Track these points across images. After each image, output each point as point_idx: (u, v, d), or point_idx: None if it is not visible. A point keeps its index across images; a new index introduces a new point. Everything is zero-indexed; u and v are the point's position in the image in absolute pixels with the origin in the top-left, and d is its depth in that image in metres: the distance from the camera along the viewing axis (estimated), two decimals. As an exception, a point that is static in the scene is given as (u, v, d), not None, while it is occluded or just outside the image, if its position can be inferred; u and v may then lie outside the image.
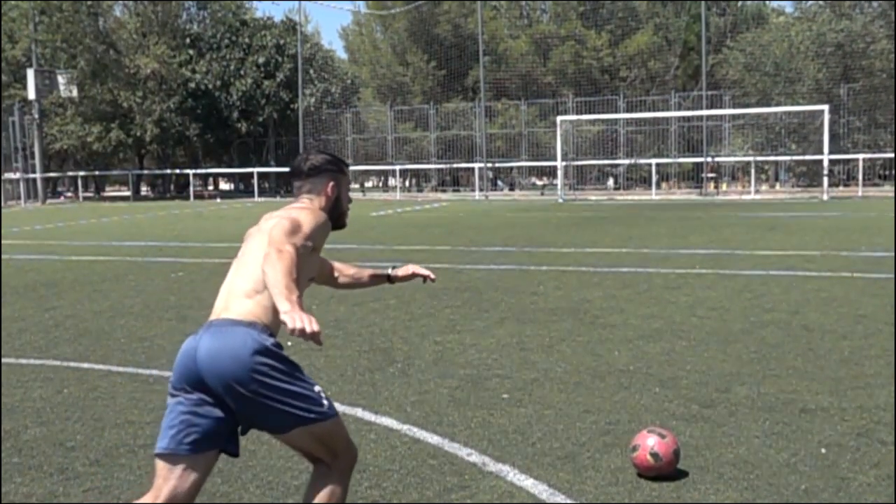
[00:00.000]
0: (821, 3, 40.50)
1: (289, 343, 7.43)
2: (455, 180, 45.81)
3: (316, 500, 3.11)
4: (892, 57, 36.28)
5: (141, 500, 3.20)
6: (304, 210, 3.19)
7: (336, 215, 3.36)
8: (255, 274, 3.03)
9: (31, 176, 43.62)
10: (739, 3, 47.40)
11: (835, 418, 5.04)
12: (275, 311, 2.89)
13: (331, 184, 3.34)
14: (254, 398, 2.98)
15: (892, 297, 8.93)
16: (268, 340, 3.01)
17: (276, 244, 2.89)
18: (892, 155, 35.63)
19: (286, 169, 45.34)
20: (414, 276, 3.90)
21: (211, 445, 3.15)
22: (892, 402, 5.30)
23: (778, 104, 36.94)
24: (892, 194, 31.80)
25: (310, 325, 2.67)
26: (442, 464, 4.47)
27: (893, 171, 38.29)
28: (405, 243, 14.08)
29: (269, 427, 3.12)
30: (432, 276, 3.89)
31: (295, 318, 2.67)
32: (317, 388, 3.10)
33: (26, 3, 42.45)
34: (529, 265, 12.46)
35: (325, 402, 3.10)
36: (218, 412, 3.08)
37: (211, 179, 59.68)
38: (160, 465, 3.19)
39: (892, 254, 12.63)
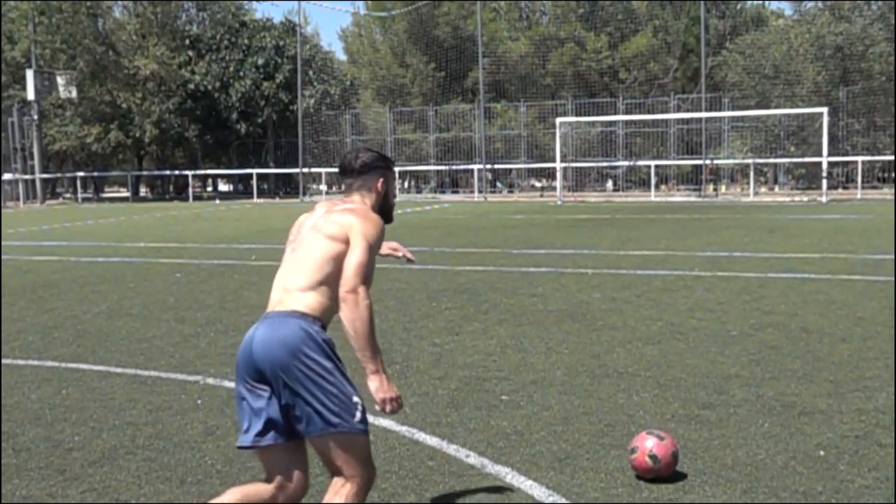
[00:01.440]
0: (820, 5, 40.53)
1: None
2: (454, 182, 45.80)
3: None
4: (892, 59, 36.30)
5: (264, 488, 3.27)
6: (366, 223, 3.28)
7: (386, 210, 3.50)
8: (311, 271, 3.20)
9: (30, 177, 43.61)
10: (738, 6, 47.45)
11: (833, 420, 5.04)
12: (329, 308, 3.17)
13: (381, 180, 3.48)
14: (294, 389, 3.09)
15: (891, 300, 8.93)
16: (320, 334, 3.15)
17: (353, 286, 3.12)
18: (891, 157, 35.65)
19: (285, 170, 45.62)
20: (392, 254, 3.97)
21: (278, 436, 3.22)
22: (891, 405, 5.31)
23: (777, 106, 36.95)
24: (891, 197, 31.82)
25: (393, 395, 3.20)
26: (441, 465, 4.47)
27: (893, 174, 38.32)
28: (404, 244, 14.05)
29: (301, 425, 3.16)
30: (410, 255, 3.97)
31: (384, 387, 3.19)
32: (355, 399, 3.17)
33: (26, 4, 42.45)
34: (528, 267, 12.46)
35: (357, 413, 3.16)
36: (275, 402, 3.19)
37: (210, 180, 59.66)
38: (260, 456, 3.31)
39: (891, 256, 12.63)
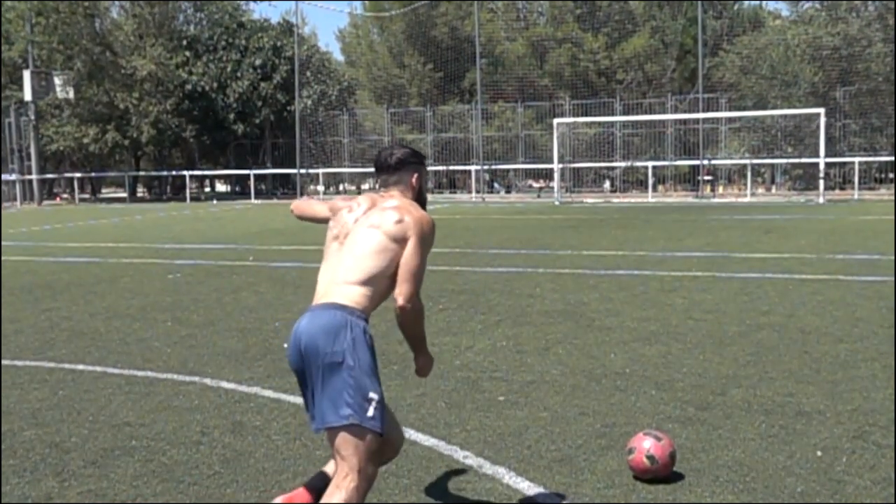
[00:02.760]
0: (817, 6, 40.56)
1: (285, 345, 7.44)
2: (451, 182, 45.80)
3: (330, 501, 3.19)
4: (889, 60, 36.34)
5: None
6: (421, 224, 3.42)
7: (420, 203, 3.63)
8: (362, 267, 3.33)
9: (28, 177, 43.56)
10: (736, 7, 47.47)
11: (831, 421, 5.04)
12: (374, 303, 3.35)
13: (415, 175, 3.63)
14: (321, 376, 3.21)
15: (888, 301, 8.94)
16: (361, 326, 3.27)
17: (410, 294, 3.36)
18: (888, 158, 35.69)
19: (283, 171, 45.59)
20: None
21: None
22: (888, 405, 5.31)
23: (774, 107, 36.98)
24: (888, 197, 31.86)
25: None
26: (438, 465, 4.47)
27: (893, 175, 38.35)
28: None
29: (315, 411, 3.29)
30: None
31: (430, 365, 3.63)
32: (371, 395, 3.24)
33: (23, 5, 42.39)
34: (526, 268, 12.46)
35: (371, 410, 3.22)
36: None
37: (207, 181, 59.62)
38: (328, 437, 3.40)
39: (888, 257, 12.65)
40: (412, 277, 3.35)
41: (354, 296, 3.30)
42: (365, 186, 54.02)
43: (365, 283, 3.32)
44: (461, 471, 4.40)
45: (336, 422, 3.21)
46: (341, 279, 3.34)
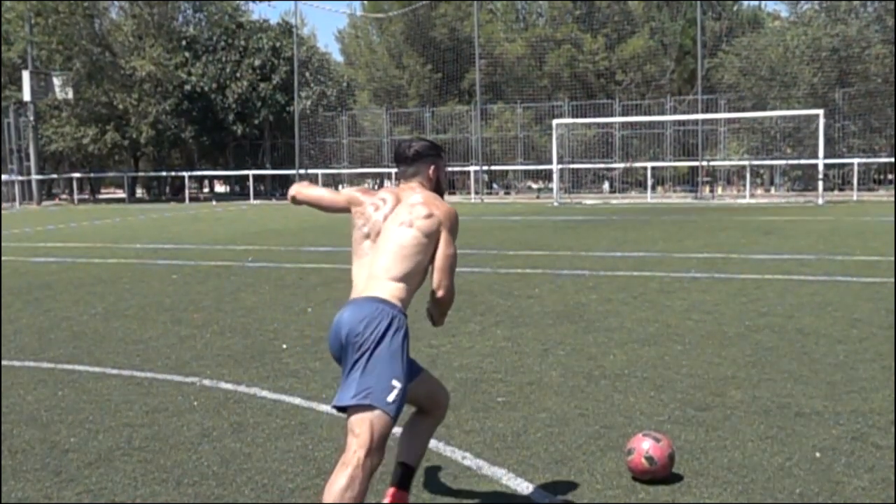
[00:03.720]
0: (816, 7, 40.58)
1: (284, 346, 7.43)
2: (450, 183, 45.80)
3: (334, 481, 3.27)
4: (888, 62, 36.36)
5: None
6: (449, 217, 3.61)
7: (439, 194, 3.79)
8: (399, 263, 3.49)
9: (27, 178, 43.55)
10: (735, 8, 47.50)
11: (829, 422, 5.04)
12: (411, 295, 3.52)
13: (432, 167, 3.79)
14: (355, 356, 3.35)
15: (887, 302, 8.94)
16: (399, 319, 3.42)
17: (448, 285, 3.60)
18: (887, 159, 35.72)
19: (282, 171, 45.58)
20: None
21: None
22: (887, 406, 5.31)
23: (773, 108, 37.00)
24: (887, 198, 31.87)
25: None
26: (436, 467, 4.47)
27: (892, 176, 38.38)
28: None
29: (342, 390, 3.39)
30: None
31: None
32: (394, 382, 3.35)
33: (22, 5, 42.37)
34: (525, 268, 12.46)
35: (392, 397, 3.33)
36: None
37: (206, 182, 59.61)
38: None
39: (887, 258, 12.66)
40: (450, 269, 3.58)
41: (394, 290, 3.46)
42: (363, 187, 54.00)
43: (402, 279, 3.49)
44: (460, 472, 4.40)
45: (356, 400, 3.32)
46: (380, 275, 3.48)
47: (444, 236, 3.57)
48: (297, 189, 4.07)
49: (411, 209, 3.58)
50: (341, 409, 3.40)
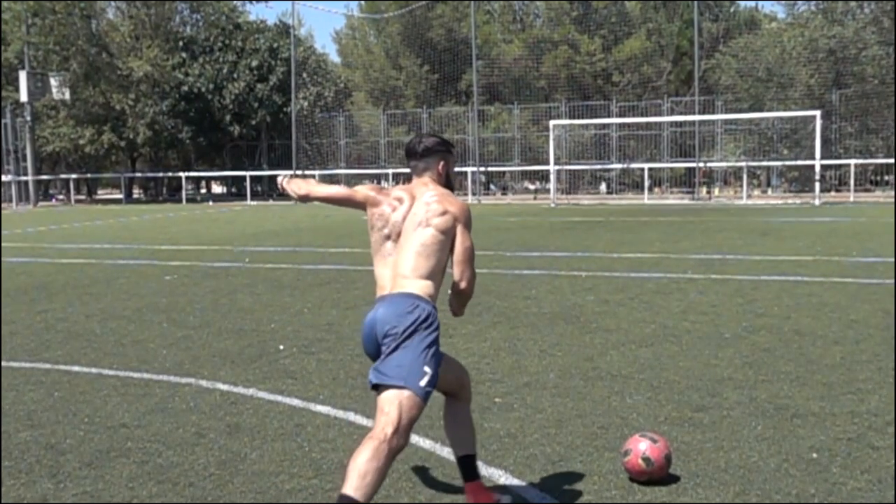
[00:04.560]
0: (813, 8, 40.62)
1: (280, 347, 7.43)
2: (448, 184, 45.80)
3: (359, 451, 3.40)
4: (884, 63, 36.41)
5: None
6: (464, 212, 3.76)
7: (448, 188, 3.92)
8: (423, 261, 3.67)
9: (23, 178, 43.51)
10: (732, 9, 47.57)
11: (826, 423, 5.05)
12: (438, 289, 3.71)
13: (441, 163, 3.92)
14: (393, 344, 3.54)
15: (884, 303, 8.95)
16: (430, 311, 3.62)
17: (471, 276, 3.76)
18: (883, 160, 35.76)
19: (279, 172, 45.53)
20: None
21: None
22: (883, 408, 5.32)
23: (770, 109, 37.04)
24: (884, 199, 31.91)
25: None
26: (434, 468, 4.47)
27: (889, 177, 38.42)
28: (398, 247, 14.07)
29: (376, 373, 3.58)
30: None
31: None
32: (426, 369, 3.54)
33: (19, 6, 42.32)
34: (522, 269, 12.47)
35: (424, 382, 3.52)
36: None
37: (203, 182, 59.57)
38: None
39: (884, 259, 12.67)
40: (470, 261, 3.74)
41: (423, 287, 3.65)
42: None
43: (428, 276, 3.67)
44: (457, 473, 4.40)
45: (391, 381, 3.49)
46: (407, 274, 3.66)
47: (460, 230, 3.72)
48: (307, 189, 4.12)
49: (427, 207, 3.72)
50: (375, 386, 3.57)
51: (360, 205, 3.99)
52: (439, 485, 4.26)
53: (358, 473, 3.32)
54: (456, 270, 3.75)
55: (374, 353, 3.67)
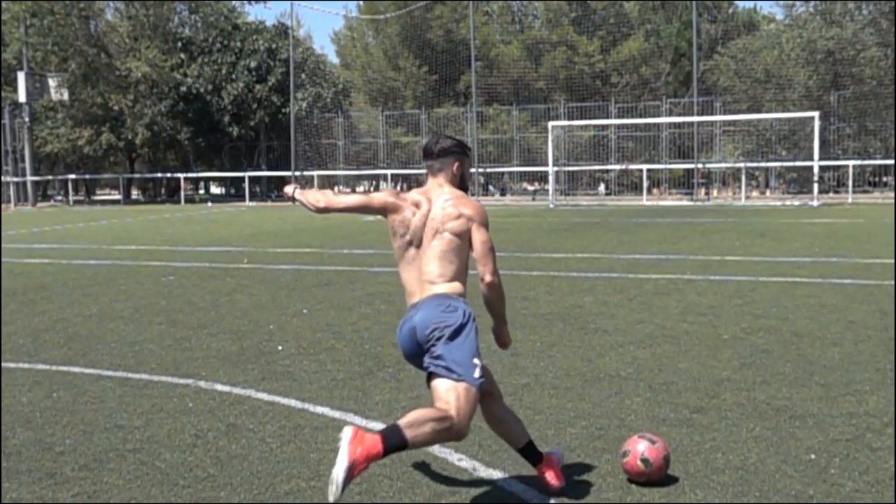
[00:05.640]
0: (811, 9, 40.66)
1: (279, 348, 7.42)
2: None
3: (428, 412, 3.66)
4: (882, 64, 36.44)
5: None
6: (479, 212, 3.96)
7: (462, 189, 4.09)
8: (446, 266, 3.90)
9: (22, 179, 43.50)
10: (730, 10, 47.59)
11: (824, 424, 5.05)
12: (464, 288, 3.97)
13: (456, 164, 4.07)
14: (440, 344, 3.77)
15: (882, 304, 8.96)
16: (464, 307, 3.88)
17: (494, 269, 3.94)
18: (882, 162, 35.78)
19: (277, 173, 45.56)
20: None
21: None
22: (881, 409, 5.32)
23: (768, 111, 37.08)
24: (882, 200, 31.92)
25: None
26: (432, 469, 4.47)
27: (888, 178, 38.45)
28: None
29: (430, 369, 3.82)
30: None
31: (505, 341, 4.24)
32: (475, 360, 3.83)
33: (17, 6, 42.31)
34: (520, 270, 12.46)
35: (478, 372, 3.80)
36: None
37: (202, 183, 59.58)
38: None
39: (882, 260, 12.68)
40: (490, 253, 3.90)
41: (453, 288, 3.90)
42: (359, 189, 54.05)
43: (454, 278, 3.91)
44: (455, 473, 4.40)
45: (451, 375, 3.73)
46: (436, 280, 3.90)
47: (477, 229, 3.91)
48: (326, 202, 4.11)
49: (443, 212, 3.92)
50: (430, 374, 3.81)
51: (379, 211, 4.06)
52: (438, 485, 4.25)
53: (418, 421, 3.58)
54: (479, 267, 3.90)
55: (413, 350, 3.89)
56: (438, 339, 3.76)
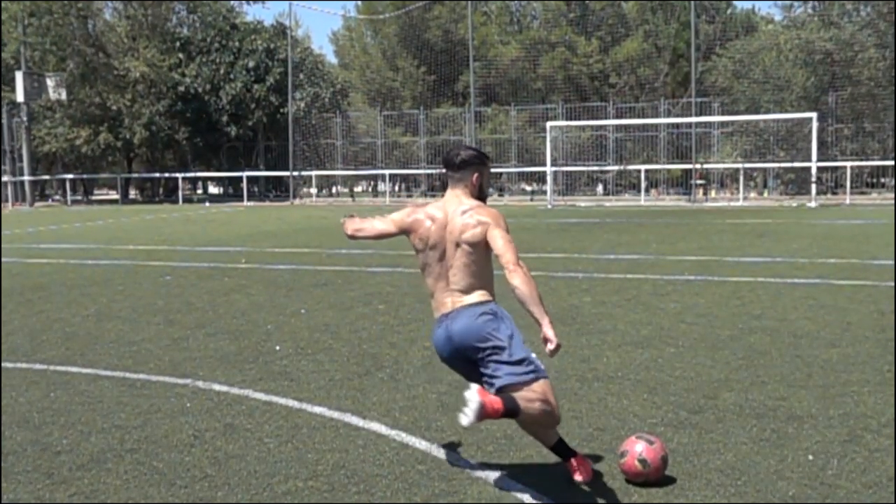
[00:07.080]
0: (809, 11, 40.69)
1: (277, 348, 7.41)
2: (444, 185, 45.72)
3: (539, 397, 3.90)
4: (880, 65, 36.47)
5: None
6: (495, 216, 4.11)
7: (481, 199, 4.25)
8: (470, 274, 4.09)
9: (19, 179, 43.46)
10: (729, 11, 47.61)
11: (822, 425, 5.05)
12: (491, 292, 4.16)
13: (475, 175, 4.23)
14: (491, 351, 3.96)
15: (879, 305, 8.96)
16: (497, 308, 4.09)
17: (516, 259, 3.99)
18: (880, 163, 35.81)
19: (275, 173, 45.56)
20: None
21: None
22: (879, 409, 5.32)
23: (766, 111, 37.08)
24: (880, 201, 31.95)
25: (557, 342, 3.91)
26: (430, 469, 4.47)
27: (888, 179, 38.48)
28: (395, 248, 14.08)
29: (493, 379, 3.98)
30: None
31: (554, 337, 3.89)
32: (532, 354, 4.00)
33: (15, 6, 42.29)
34: (518, 271, 12.44)
35: (539, 363, 3.98)
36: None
37: (200, 183, 59.55)
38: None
39: (879, 261, 12.69)
40: (510, 247, 4.00)
41: (480, 294, 4.09)
42: (358, 189, 54.05)
43: (481, 286, 4.11)
44: (453, 474, 4.40)
45: (523, 380, 3.91)
46: (464, 290, 4.09)
47: (492, 230, 4.04)
48: (352, 229, 4.46)
49: (462, 223, 4.09)
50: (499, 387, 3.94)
51: (401, 234, 4.32)
52: (435, 487, 4.25)
53: (527, 398, 3.87)
54: (501, 261, 3.98)
55: (452, 354, 4.11)
56: (489, 349, 3.97)
